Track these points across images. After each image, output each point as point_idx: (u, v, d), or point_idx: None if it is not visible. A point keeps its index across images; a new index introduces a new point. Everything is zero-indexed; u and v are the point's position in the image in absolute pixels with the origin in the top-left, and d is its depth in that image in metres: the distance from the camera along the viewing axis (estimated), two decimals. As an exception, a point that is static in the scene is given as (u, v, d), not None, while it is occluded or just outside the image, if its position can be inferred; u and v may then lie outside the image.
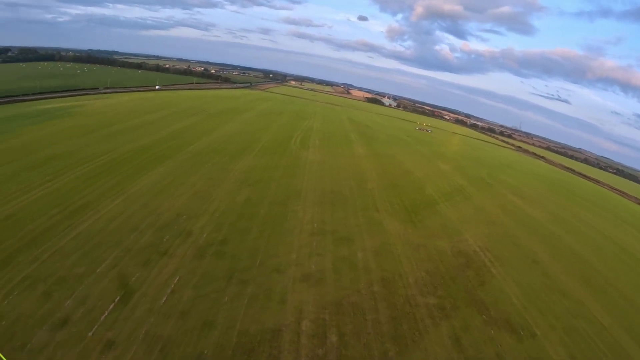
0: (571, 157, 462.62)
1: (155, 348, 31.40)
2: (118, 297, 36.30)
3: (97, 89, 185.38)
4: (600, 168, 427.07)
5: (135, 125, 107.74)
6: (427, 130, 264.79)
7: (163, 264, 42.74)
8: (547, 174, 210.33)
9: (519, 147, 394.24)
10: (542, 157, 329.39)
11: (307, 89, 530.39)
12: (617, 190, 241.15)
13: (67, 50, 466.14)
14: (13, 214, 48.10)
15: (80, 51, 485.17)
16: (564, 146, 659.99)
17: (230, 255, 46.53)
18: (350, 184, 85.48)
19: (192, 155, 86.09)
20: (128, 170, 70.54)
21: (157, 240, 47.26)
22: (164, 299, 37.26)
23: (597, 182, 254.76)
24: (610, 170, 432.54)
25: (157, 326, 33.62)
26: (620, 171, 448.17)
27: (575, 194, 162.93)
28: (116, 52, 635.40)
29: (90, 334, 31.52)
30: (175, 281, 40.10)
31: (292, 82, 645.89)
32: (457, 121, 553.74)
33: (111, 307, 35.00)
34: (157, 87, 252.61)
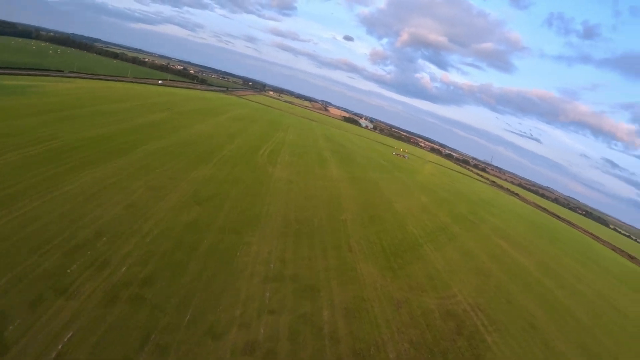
0: (542, 195, 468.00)
1: None
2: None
3: (62, 71, 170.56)
4: (570, 209, 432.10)
5: (90, 114, 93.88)
6: (404, 156, 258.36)
7: (58, 308, 30.06)
8: (526, 213, 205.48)
9: (493, 181, 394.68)
10: (516, 194, 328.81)
11: (285, 101, 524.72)
12: (590, 234, 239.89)
13: (50, 31, 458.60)
14: None
15: (63, 33, 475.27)
16: (534, 183, 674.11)
17: (152, 304, 33.77)
18: (321, 212, 73.82)
19: (144, 156, 72.80)
20: (68, 164, 57.73)
21: (60, 269, 34.34)
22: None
23: (570, 224, 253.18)
24: (580, 212, 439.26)
25: None
26: (589, 213, 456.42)
27: (557, 238, 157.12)
28: (99, 40, 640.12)
29: None
30: (67, 338, 27.58)
31: (271, 93, 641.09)
32: (433, 149, 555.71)
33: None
34: (159, 81, 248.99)
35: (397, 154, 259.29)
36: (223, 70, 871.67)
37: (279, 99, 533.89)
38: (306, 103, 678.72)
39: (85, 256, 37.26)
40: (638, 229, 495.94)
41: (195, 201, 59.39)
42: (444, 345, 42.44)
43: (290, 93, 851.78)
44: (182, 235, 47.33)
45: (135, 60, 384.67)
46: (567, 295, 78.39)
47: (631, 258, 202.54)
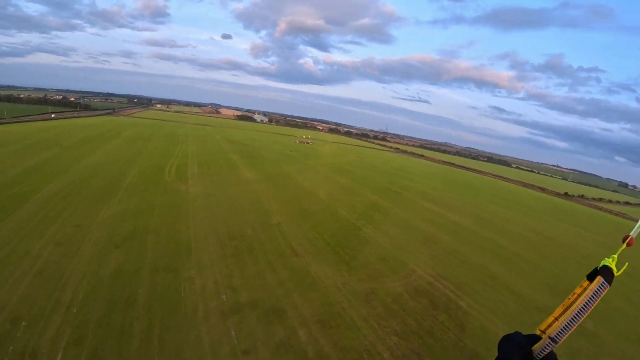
0: (444, 151, 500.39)
1: None
2: None
3: None
4: (473, 158, 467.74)
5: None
6: (307, 143, 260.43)
7: None
8: (439, 172, 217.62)
9: (397, 148, 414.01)
10: (422, 156, 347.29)
11: (175, 112, 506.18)
12: (500, 177, 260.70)
13: None
14: None
15: None
16: (434, 142, 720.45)
17: (104, 391, 28.01)
18: (251, 220, 69.68)
19: (40, 207, 61.92)
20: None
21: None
22: None
23: (479, 172, 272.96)
24: (482, 159, 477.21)
25: None
26: (491, 158, 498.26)
27: (475, 188, 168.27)
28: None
29: None
30: None
31: (159, 106, 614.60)
32: (331, 130, 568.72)
33: None
34: (52, 115, 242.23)
35: (301, 142, 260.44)
36: (105, 91, 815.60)
37: (168, 111, 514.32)
38: (196, 109, 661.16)
39: (7, 353, 30.04)
40: (535, 162, 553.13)
41: (114, 245, 52.06)
42: (427, 324, 41.66)
43: (178, 102, 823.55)
44: (112, 290, 40.38)
45: (10, 98, 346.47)
46: (508, 240, 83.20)
47: (542, 190, 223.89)
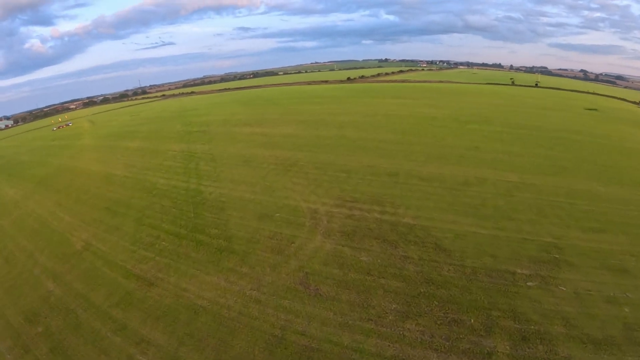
0: (209, 83, 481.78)
1: None
2: None
3: None
4: (240, 79, 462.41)
5: None
6: (67, 124, 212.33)
7: None
8: (224, 99, 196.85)
9: (163, 95, 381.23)
10: (192, 93, 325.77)
11: None
12: (283, 84, 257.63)
13: None
14: None
15: None
16: (193, 80, 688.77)
17: None
18: (44, 263, 41.15)
19: None
20: None
21: None
22: None
23: (259, 86, 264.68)
24: (249, 77, 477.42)
25: None
26: (256, 74, 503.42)
27: (271, 99, 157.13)
28: None
29: None
30: None
31: None
32: (86, 105, 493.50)
33: None
34: None
35: (59, 127, 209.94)
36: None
37: None
38: None
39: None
40: (295, 66, 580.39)
41: None
42: (411, 272, 26.33)
43: None
44: None
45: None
46: (354, 131, 73.04)
47: (326, 82, 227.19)
